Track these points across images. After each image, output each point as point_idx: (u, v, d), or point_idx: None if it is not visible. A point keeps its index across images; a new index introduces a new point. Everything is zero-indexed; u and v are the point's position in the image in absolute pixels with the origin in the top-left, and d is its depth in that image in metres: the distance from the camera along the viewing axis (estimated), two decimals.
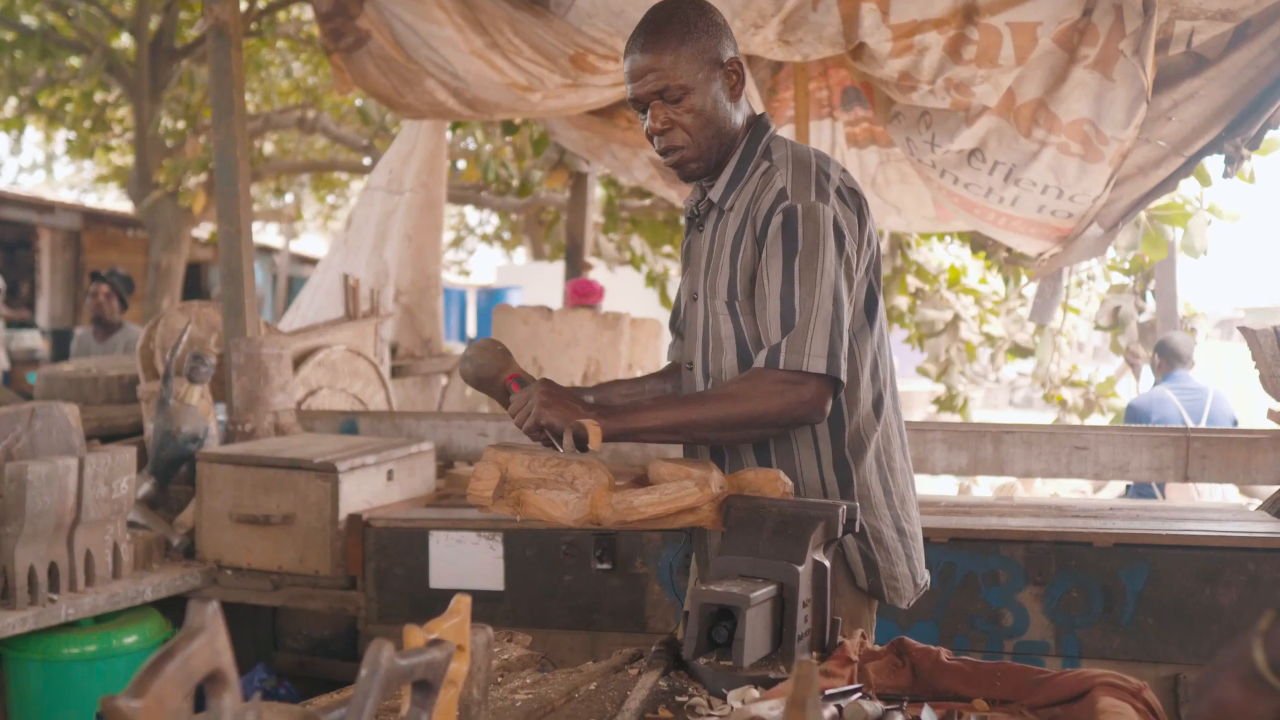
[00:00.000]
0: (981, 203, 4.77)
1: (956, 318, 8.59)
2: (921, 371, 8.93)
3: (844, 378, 2.16)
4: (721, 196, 2.34)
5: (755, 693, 1.77)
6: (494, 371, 2.40)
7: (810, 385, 2.14)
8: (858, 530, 2.28)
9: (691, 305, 2.43)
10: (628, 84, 2.32)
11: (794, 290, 2.15)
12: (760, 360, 2.18)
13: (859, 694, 1.73)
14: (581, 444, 2.15)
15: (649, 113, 2.31)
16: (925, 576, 2.41)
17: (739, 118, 2.34)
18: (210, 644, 1.07)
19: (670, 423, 2.20)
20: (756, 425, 2.19)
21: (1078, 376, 8.29)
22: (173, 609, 3.76)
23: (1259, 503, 4.09)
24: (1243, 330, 4.02)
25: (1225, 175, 4.45)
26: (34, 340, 13.49)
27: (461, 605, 1.44)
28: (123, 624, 3.57)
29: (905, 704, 1.69)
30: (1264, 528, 3.44)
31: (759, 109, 2.46)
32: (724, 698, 1.79)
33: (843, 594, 2.29)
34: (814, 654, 1.93)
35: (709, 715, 1.72)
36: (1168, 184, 4.68)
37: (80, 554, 3.47)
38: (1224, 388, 6.92)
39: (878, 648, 1.91)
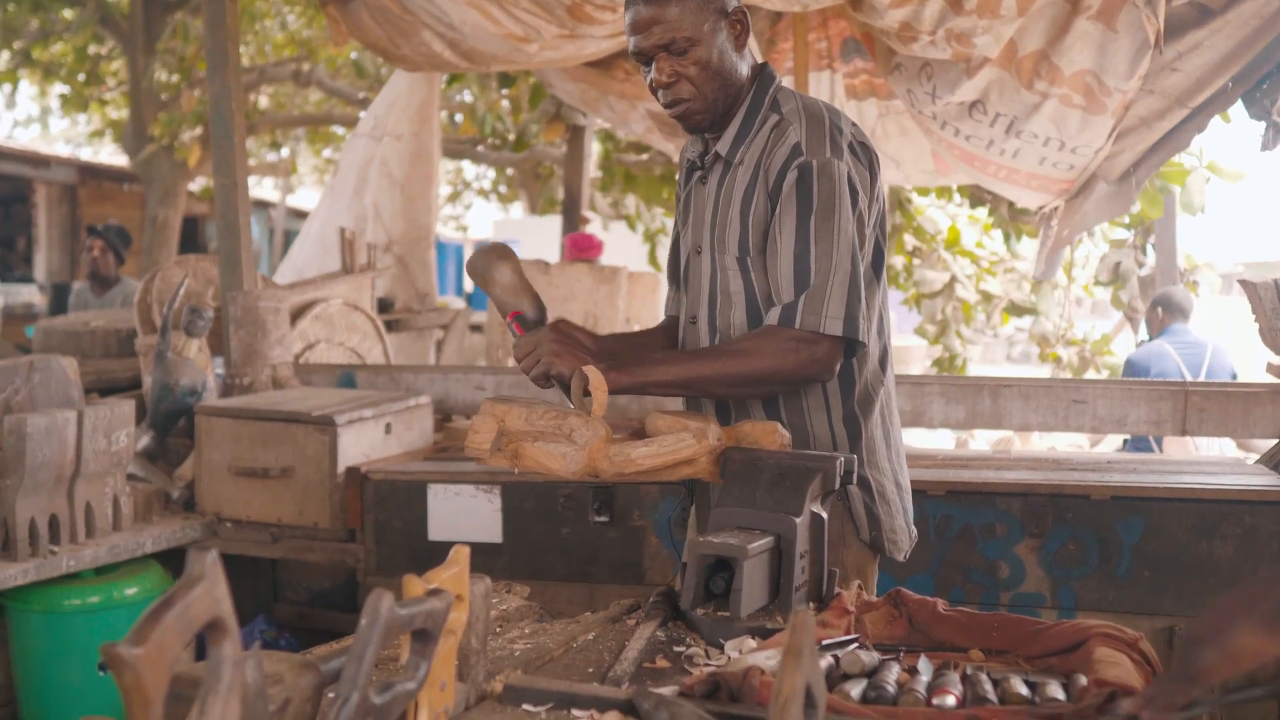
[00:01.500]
0: (982, 155, 4.74)
1: (954, 279, 8.56)
2: (920, 333, 8.92)
3: (863, 338, 2.17)
4: (729, 149, 2.32)
5: (752, 643, 1.78)
6: (484, 278, 2.34)
7: (824, 345, 2.15)
8: (860, 483, 2.30)
9: (695, 259, 2.41)
10: (630, 36, 2.27)
11: (809, 248, 2.15)
12: (774, 317, 2.17)
13: (856, 644, 1.74)
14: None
15: (653, 65, 2.27)
16: (914, 529, 2.44)
17: (744, 68, 2.31)
18: (210, 592, 1.08)
19: (682, 377, 2.19)
20: (768, 382, 2.20)
21: (1074, 334, 8.28)
22: (173, 561, 3.78)
23: (1256, 457, 4.10)
24: (1243, 283, 4.01)
25: (1264, 148, 4.38)
26: (31, 295, 13.46)
27: (460, 556, 1.44)
28: (123, 575, 3.59)
29: (902, 654, 1.70)
30: (1261, 481, 3.45)
31: (759, 59, 2.43)
32: (721, 648, 1.79)
33: (849, 547, 2.30)
34: (811, 605, 1.94)
35: (706, 665, 1.73)
36: (1178, 138, 4.64)
37: (80, 506, 3.47)
38: (1223, 342, 6.91)
39: (874, 599, 1.91)
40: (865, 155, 2.25)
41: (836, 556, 2.27)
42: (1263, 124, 4.33)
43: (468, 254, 18.50)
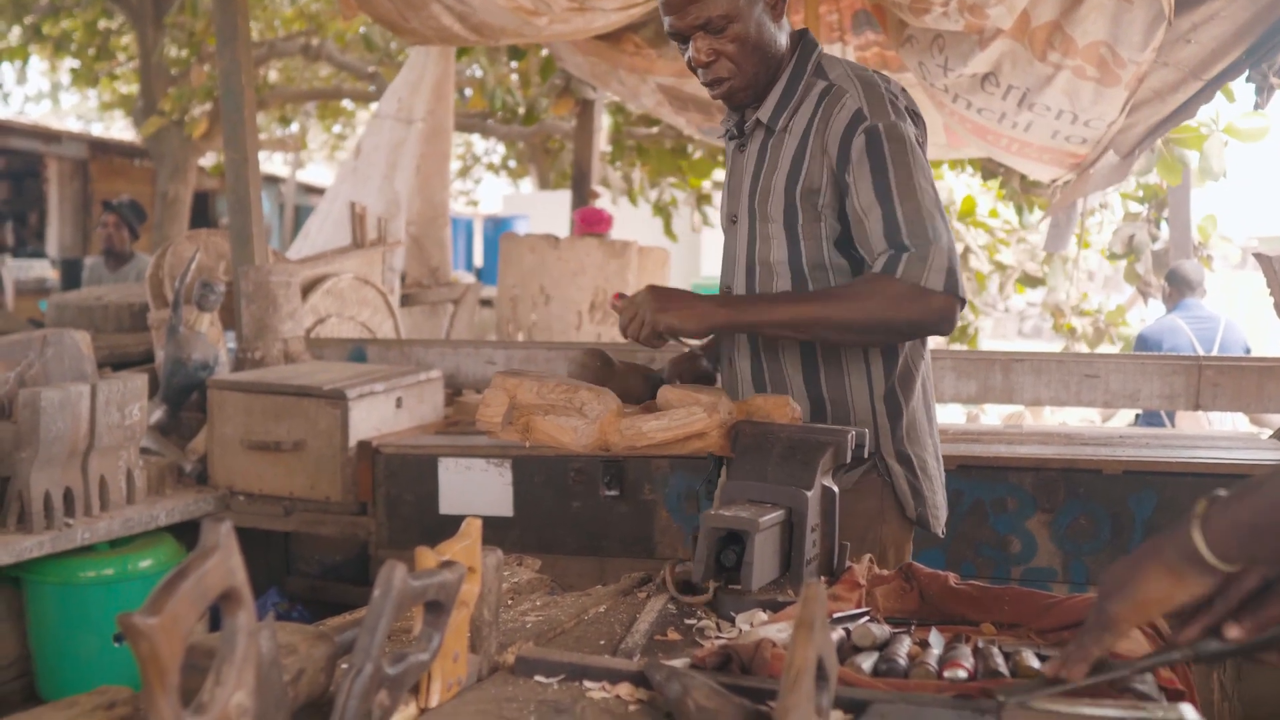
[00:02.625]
0: (994, 128, 4.71)
1: (967, 250, 8.53)
2: None
3: (963, 293, 2.12)
4: (771, 116, 2.29)
5: (764, 616, 1.79)
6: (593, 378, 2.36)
7: (936, 299, 2.10)
8: (901, 460, 2.30)
9: (730, 229, 2.39)
10: (665, 16, 2.25)
11: (896, 207, 2.11)
12: (879, 266, 2.13)
13: (867, 618, 1.75)
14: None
15: (690, 44, 2.24)
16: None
17: (783, 38, 2.29)
18: (224, 562, 1.08)
19: (795, 317, 2.17)
20: (880, 330, 2.15)
21: (1087, 305, 8.25)
22: (186, 534, 3.80)
23: (1270, 432, 4.08)
24: (1258, 256, 3.99)
25: (1256, 107, 4.37)
26: (44, 270, 13.49)
27: (472, 528, 1.45)
28: (138, 548, 3.61)
29: (913, 628, 1.70)
30: (1274, 456, 3.44)
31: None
32: (732, 621, 1.80)
33: (888, 523, 2.30)
34: (822, 578, 1.94)
35: (718, 638, 1.74)
36: (1186, 109, 4.61)
37: (94, 479, 3.49)
38: (1237, 316, 6.88)
39: (885, 572, 1.92)
40: (915, 120, 2.24)
41: (875, 534, 2.28)
42: (1253, 86, 4.32)
43: (478, 230, 18.50)
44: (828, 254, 2.25)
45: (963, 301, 2.13)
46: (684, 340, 2.30)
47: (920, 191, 2.12)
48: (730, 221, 2.39)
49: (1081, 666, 1.26)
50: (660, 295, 2.21)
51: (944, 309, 2.11)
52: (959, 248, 8.42)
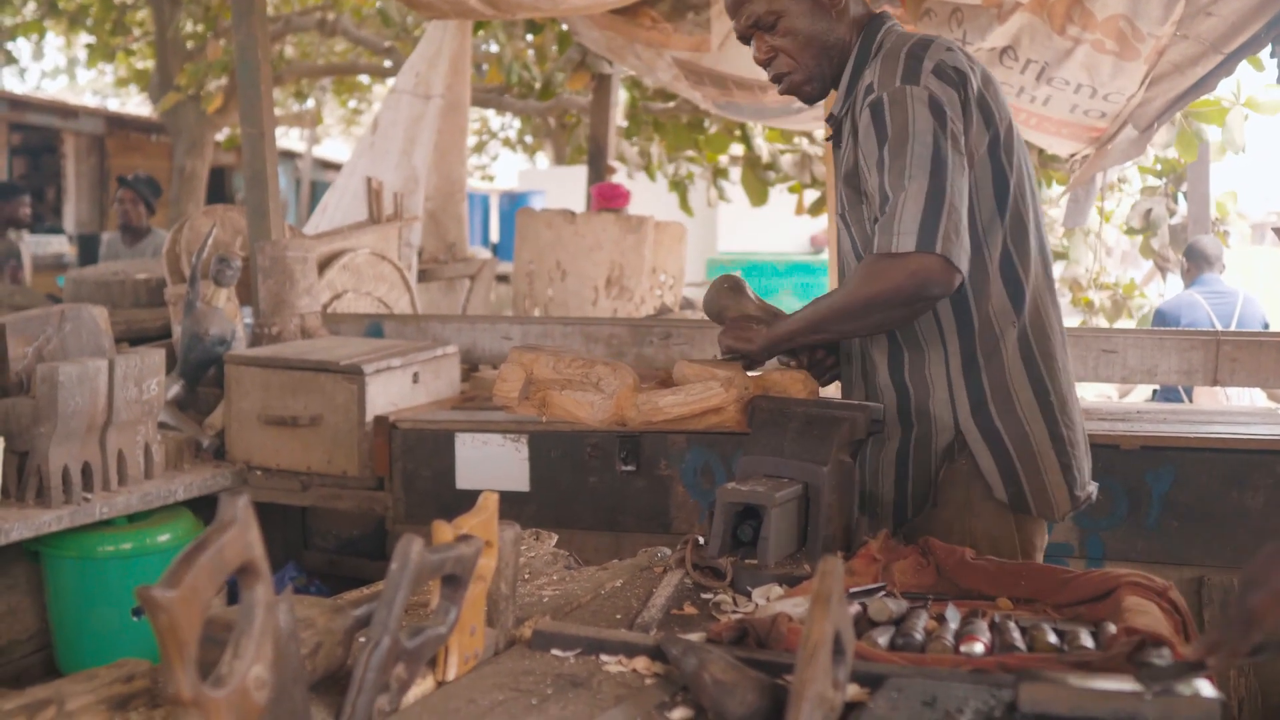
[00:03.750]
0: (1013, 102, 4.68)
1: None
2: None
3: (942, 250, 1.97)
4: (840, 108, 2.26)
5: (780, 590, 1.79)
6: (719, 309, 2.38)
7: (910, 262, 1.98)
8: (987, 436, 2.15)
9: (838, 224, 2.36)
10: (730, 21, 2.29)
11: (885, 177, 2.05)
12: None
13: (883, 592, 1.75)
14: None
15: (753, 44, 2.26)
16: (1090, 488, 2.26)
17: (841, 27, 2.23)
18: (242, 536, 1.08)
19: (807, 322, 2.17)
20: (876, 309, 2.06)
21: (1105, 279, 8.20)
22: (204, 509, 3.82)
23: None
24: (1277, 231, 3.96)
25: (1279, 81, 4.32)
26: (61, 245, 13.52)
27: (489, 502, 1.45)
28: (155, 523, 3.63)
29: (929, 602, 1.70)
30: None
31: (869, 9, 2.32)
32: (749, 595, 1.80)
33: (978, 514, 2.15)
34: (839, 553, 1.94)
35: (734, 612, 1.74)
36: (1205, 84, 4.57)
37: (112, 454, 3.51)
38: (1255, 291, 6.83)
39: (903, 547, 1.91)
40: (958, 77, 2.09)
41: (965, 526, 2.13)
42: (1276, 60, 4.27)
43: (494, 206, 18.49)
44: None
45: (950, 260, 1.98)
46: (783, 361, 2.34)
47: (910, 154, 2.02)
48: (839, 218, 2.35)
49: (1232, 659, 1.25)
50: (733, 322, 2.28)
51: (922, 270, 1.98)
52: None
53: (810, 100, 2.32)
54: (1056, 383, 2.21)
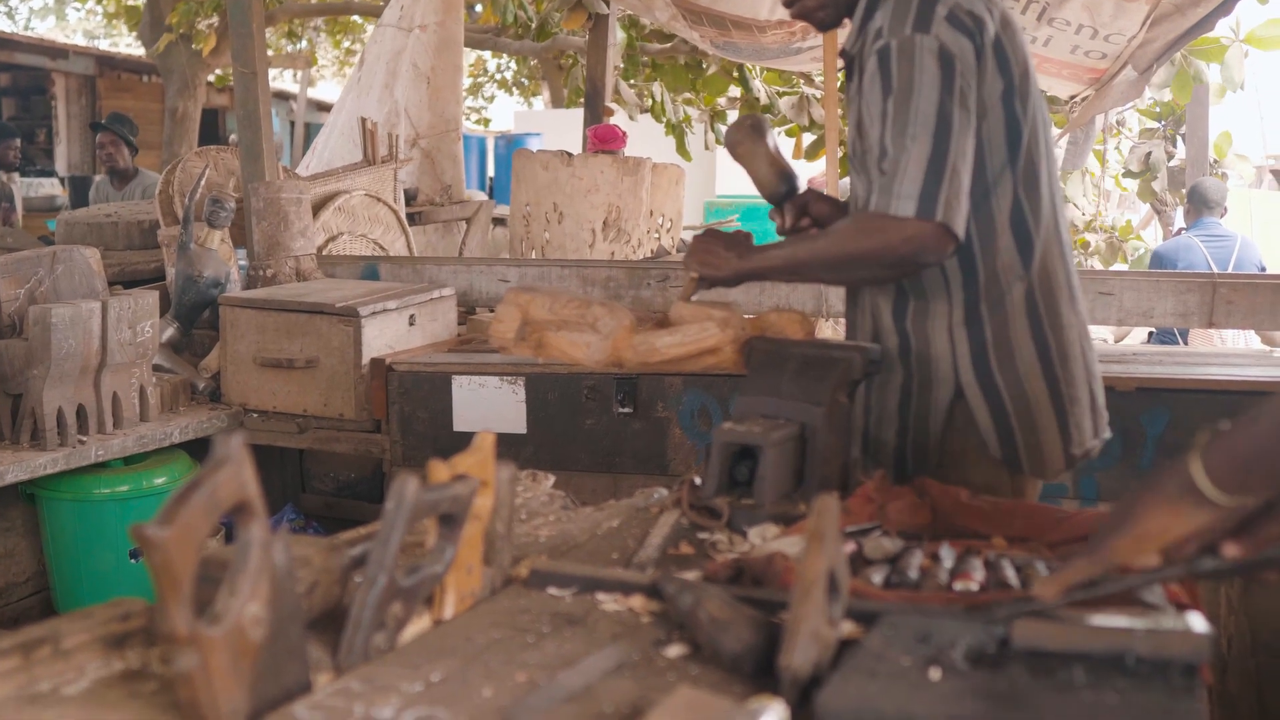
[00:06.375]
0: None
1: None
2: None
3: (942, 218, 1.94)
4: (852, 42, 2.18)
5: (775, 529, 1.79)
6: (734, 146, 2.36)
7: (907, 226, 1.94)
8: (986, 390, 2.11)
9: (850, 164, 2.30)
10: None
11: (887, 131, 1.98)
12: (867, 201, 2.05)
13: (879, 531, 1.75)
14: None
15: None
16: (1088, 445, 2.20)
17: None
18: (237, 475, 1.08)
19: (787, 261, 2.13)
20: (861, 266, 2.05)
21: (1102, 221, 8.18)
22: (200, 451, 3.82)
23: None
24: (1276, 174, 3.94)
25: None
26: (53, 188, 13.44)
27: (485, 442, 1.45)
28: (152, 465, 3.64)
29: (924, 541, 1.71)
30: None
31: None
32: (745, 535, 1.81)
33: (974, 464, 2.13)
34: (835, 493, 1.94)
35: (730, 551, 1.74)
36: (1205, 23, 4.53)
37: (107, 397, 3.51)
38: (1254, 235, 6.82)
39: (898, 488, 1.92)
40: (973, 23, 2.01)
41: (962, 477, 2.07)
42: None
43: (490, 148, 18.36)
44: None
45: (948, 228, 1.95)
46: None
47: (914, 110, 1.96)
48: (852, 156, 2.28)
49: (1056, 588, 1.26)
50: (699, 242, 2.21)
51: (918, 237, 1.95)
52: None
53: (823, 27, 2.27)
54: (1061, 339, 2.15)
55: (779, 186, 2.36)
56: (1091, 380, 2.22)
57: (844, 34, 2.29)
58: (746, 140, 2.34)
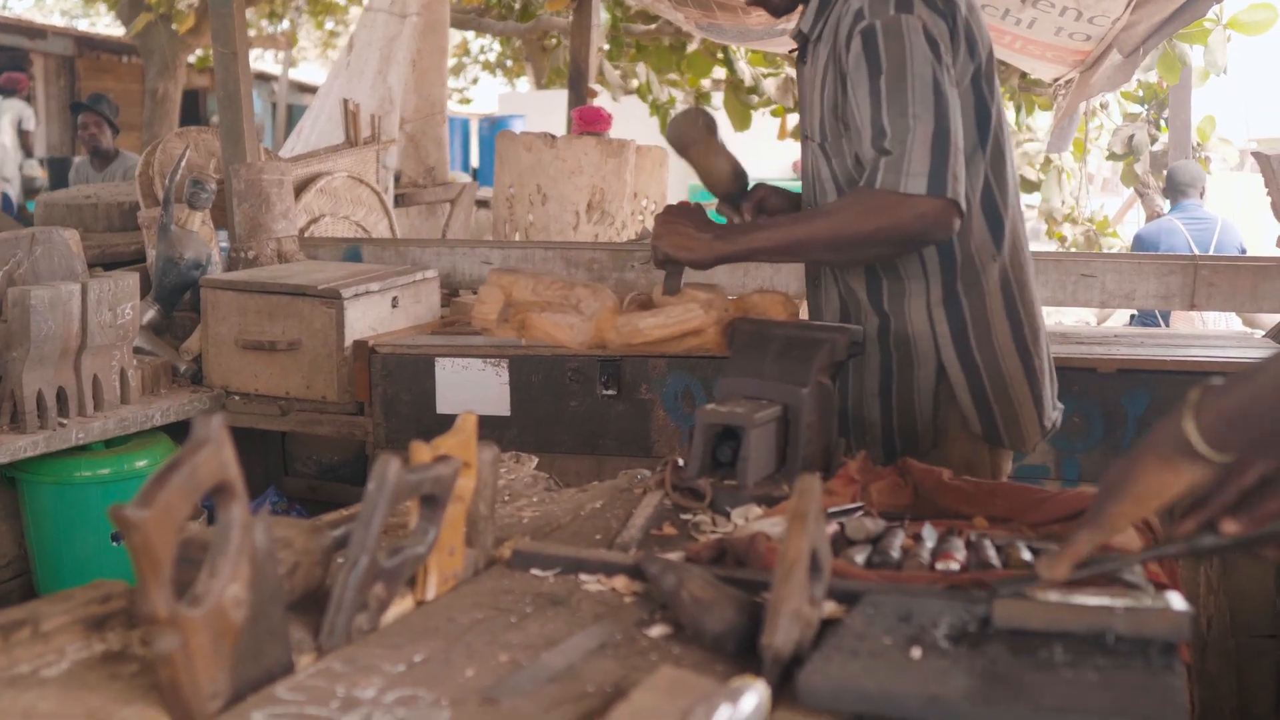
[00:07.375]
0: (998, 25, 4.64)
1: None
2: None
3: (953, 195, 1.95)
4: (811, 24, 2.17)
5: (758, 510, 1.80)
6: (684, 142, 2.31)
7: (919, 204, 1.95)
8: (967, 369, 2.15)
9: (803, 146, 2.29)
10: None
11: (882, 110, 1.97)
12: (864, 177, 2.01)
13: (861, 512, 1.76)
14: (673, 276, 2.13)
15: None
16: (1054, 416, 2.29)
17: None
18: (217, 455, 1.08)
19: (781, 241, 2.08)
20: (869, 245, 2.03)
21: (1082, 213, 8.21)
22: (181, 434, 3.79)
23: (1262, 333, 4.08)
24: (1256, 156, 3.96)
25: None
26: (31, 169, 13.34)
27: (467, 423, 1.44)
28: (133, 448, 3.62)
29: (906, 521, 1.71)
30: (1267, 355, 3.43)
31: None
32: (728, 515, 1.81)
33: (954, 440, 2.18)
34: (817, 474, 1.94)
35: (713, 532, 1.75)
36: (1192, 8, 4.53)
37: (87, 379, 3.48)
38: (1235, 218, 6.85)
39: (880, 468, 1.92)
40: (947, 6, 2.03)
41: (943, 452, 2.15)
42: None
43: (474, 130, 18.28)
44: (856, 170, 2.14)
45: (958, 204, 1.97)
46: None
47: (912, 90, 1.96)
48: (804, 139, 2.28)
49: (1067, 564, 1.26)
50: (665, 220, 2.15)
51: (930, 214, 1.95)
52: None
53: (777, 13, 2.26)
54: (1031, 314, 2.22)
55: (734, 184, 2.33)
56: (1049, 353, 2.31)
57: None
58: (702, 139, 2.30)
